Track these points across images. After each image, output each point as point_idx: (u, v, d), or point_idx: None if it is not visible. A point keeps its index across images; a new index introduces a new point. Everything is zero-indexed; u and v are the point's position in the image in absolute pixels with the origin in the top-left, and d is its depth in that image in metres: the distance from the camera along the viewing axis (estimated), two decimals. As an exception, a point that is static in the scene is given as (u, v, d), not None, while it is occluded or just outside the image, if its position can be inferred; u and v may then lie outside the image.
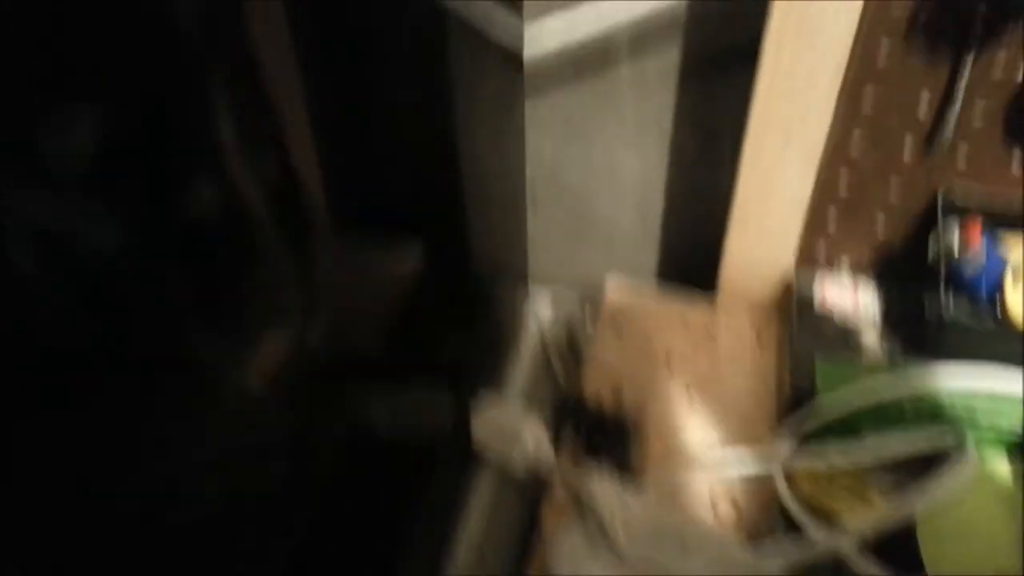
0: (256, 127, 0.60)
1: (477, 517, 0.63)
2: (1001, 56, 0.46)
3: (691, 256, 0.83)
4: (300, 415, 0.59)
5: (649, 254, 0.85)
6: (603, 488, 0.52)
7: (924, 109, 0.49)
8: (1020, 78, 0.46)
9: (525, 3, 0.67)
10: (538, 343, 0.78)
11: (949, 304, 0.50)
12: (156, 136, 0.45)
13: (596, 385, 0.59)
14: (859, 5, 0.47)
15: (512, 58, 0.69)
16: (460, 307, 0.76)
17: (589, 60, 0.73)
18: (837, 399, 0.51)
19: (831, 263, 0.59)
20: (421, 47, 0.65)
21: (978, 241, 0.47)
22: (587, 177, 0.82)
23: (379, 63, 0.65)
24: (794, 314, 0.57)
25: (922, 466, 0.49)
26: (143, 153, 0.44)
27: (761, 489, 0.53)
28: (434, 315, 0.71)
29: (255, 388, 0.58)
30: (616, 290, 0.67)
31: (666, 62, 0.71)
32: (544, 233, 0.88)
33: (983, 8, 0.44)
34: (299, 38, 0.57)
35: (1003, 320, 0.48)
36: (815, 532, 0.47)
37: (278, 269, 0.63)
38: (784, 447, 0.52)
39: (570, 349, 0.66)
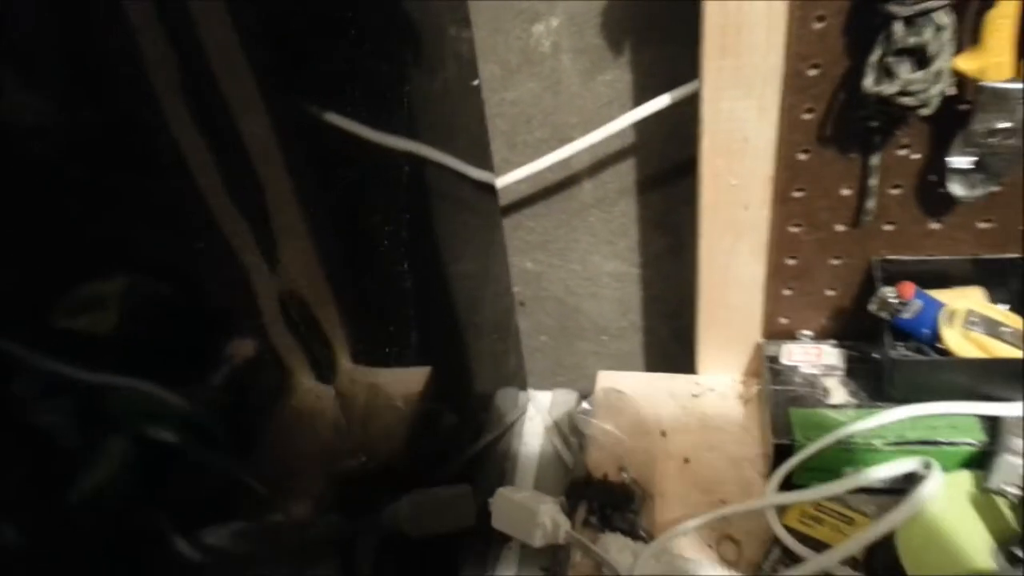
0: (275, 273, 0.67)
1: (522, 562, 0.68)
2: (904, 149, 0.55)
3: (671, 340, 0.90)
4: (339, 520, 0.64)
5: (634, 344, 0.92)
6: (619, 547, 0.58)
7: (847, 195, 0.58)
8: (921, 165, 0.55)
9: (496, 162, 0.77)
10: (543, 436, 0.84)
11: (896, 347, 0.58)
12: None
13: (601, 464, 0.65)
14: (773, 123, 0.56)
15: (488, 189, 0.77)
16: (467, 414, 0.82)
17: (555, 186, 0.82)
18: (814, 443, 0.58)
19: (793, 333, 0.66)
20: (409, 192, 0.73)
21: (911, 293, 0.55)
22: (569, 284, 0.90)
23: (374, 208, 0.73)
24: (767, 376, 0.64)
25: (897, 489, 0.55)
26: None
27: (756, 528, 0.58)
28: (445, 423, 0.77)
29: (302, 500, 0.64)
30: (607, 379, 0.73)
31: (624, 179, 0.80)
32: (537, 341, 0.95)
33: (876, 122, 0.54)
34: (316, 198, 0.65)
35: (944, 353, 0.56)
36: (808, 557, 0.53)
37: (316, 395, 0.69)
38: (773, 489, 0.58)
39: (574, 436, 0.72)
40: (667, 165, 0.77)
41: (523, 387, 0.91)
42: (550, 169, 0.77)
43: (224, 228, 0.63)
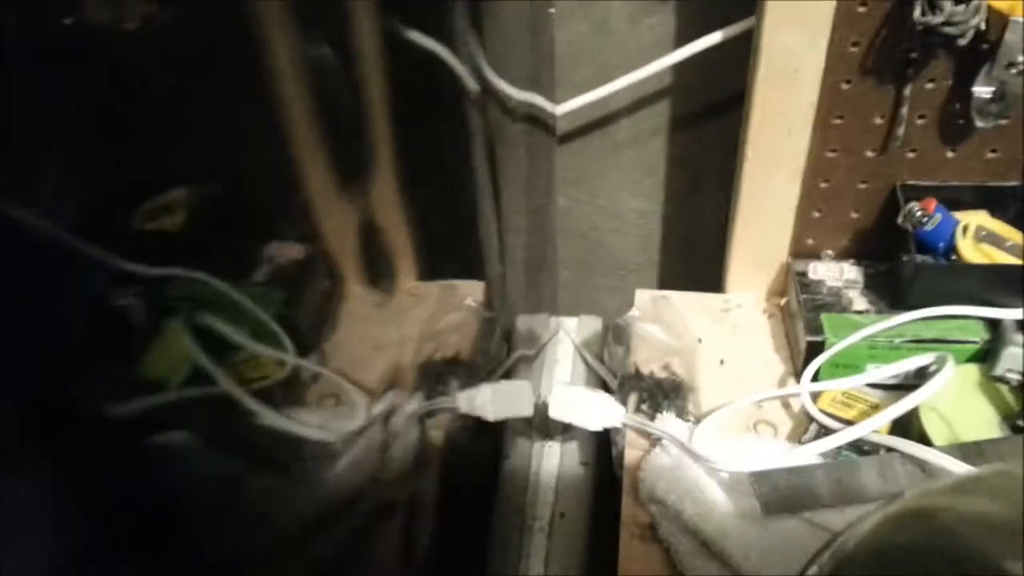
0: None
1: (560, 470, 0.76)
2: (932, 82, 0.63)
3: (684, 276, 0.98)
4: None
5: (649, 279, 1.00)
6: (673, 424, 0.65)
7: (880, 123, 0.65)
8: (945, 97, 0.63)
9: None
10: (572, 355, 0.92)
11: (917, 255, 0.66)
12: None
13: (648, 361, 0.72)
14: (822, 55, 0.63)
15: (548, 128, 0.84)
16: (515, 326, 0.89)
17: (593, 124, 0.89)
18: (843, 340, 0.66)
19: (817, 253, 0.74)
20: (488, 117, 0.79)
21: (933, 207, 0.63)
22: (595, 220, 0.96)
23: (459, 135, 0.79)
24: (796, 288, 0.71)
25: (913, 385, 0.64)
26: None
27: (789, 416, 0.66)
28: (499, 330, 0.85)
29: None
30: (646, 295, 0.81)
31: (657, 119, 0.87)
32: (560, 275, 1.02)
33: (914, 53, 0.62)
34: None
35: (958, 260, 0.64)
36: (840, 430, 0.61)
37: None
38: (808, 379, 0.66)
39: (617, 343, 0.79)
40: (696, 108, 0.85)
41: (555, 313, 0.98)
42: (590, 107, 0.84)
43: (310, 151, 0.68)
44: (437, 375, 0.72)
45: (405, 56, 0.68)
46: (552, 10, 0.75)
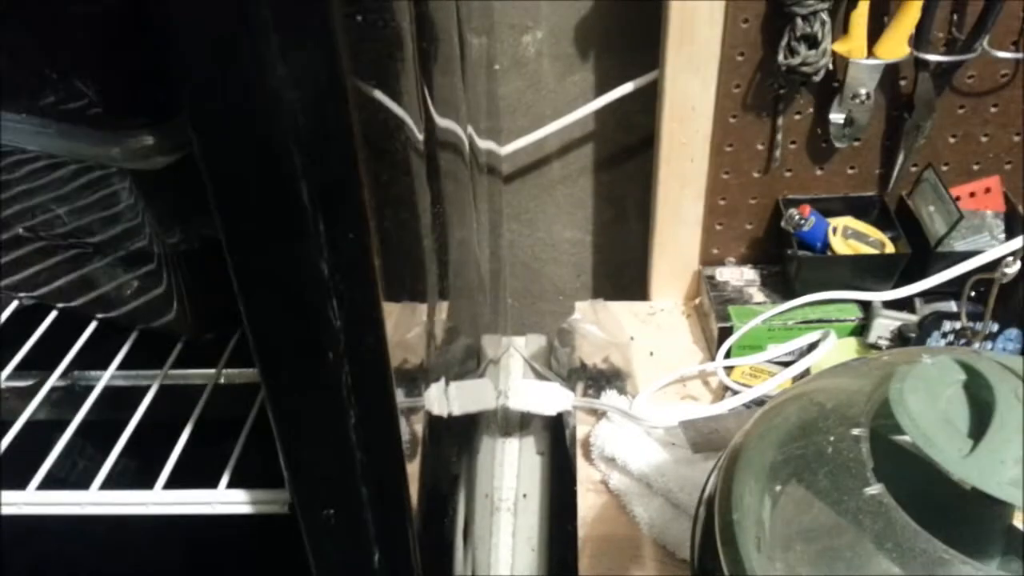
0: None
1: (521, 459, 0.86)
2: (799, 114, 0.78)
3: (614, 297, 1.10)
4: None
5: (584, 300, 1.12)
6: (616, 400, 0.77)
7: (761, 149, 0.80)
8: (810, 125, 0.79)
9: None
10: (522, 367, 1.03)
11: (798, 252, 0.80)
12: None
13: (590, 356, 0.84)
14: (712, 95, 0.78)
15: (497, 172, 0.97)
16: (472, 342, 0.99)
17: (529, 166, 1.02)
18: (746, 324, 0.79)
19: (722, 260, 0.88)
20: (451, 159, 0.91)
21: (808, 211, 0.77)
22: (535, 251, 1.09)
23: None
24: (707, 289, 0.85)
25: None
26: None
27: (708, 391, 0.79)
28: (460, 344, 0.95)
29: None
30: (583, 306, 0.93)
31: (584, 160, 1.00)
32: (506, 300, 1.14)
33: (782, 90, 0.77)
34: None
35: (832, 253, 0.78)
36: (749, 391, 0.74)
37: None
38: (721, 356, 0.79)
39: (563, 346, 0.91)
40: (616, 149, 0.99)
41: (505, 333, 1.09)
42: (527, 151, 0.97)
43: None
44: (411, 378, 0.82)
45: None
46: (496, 67, 0.89)
